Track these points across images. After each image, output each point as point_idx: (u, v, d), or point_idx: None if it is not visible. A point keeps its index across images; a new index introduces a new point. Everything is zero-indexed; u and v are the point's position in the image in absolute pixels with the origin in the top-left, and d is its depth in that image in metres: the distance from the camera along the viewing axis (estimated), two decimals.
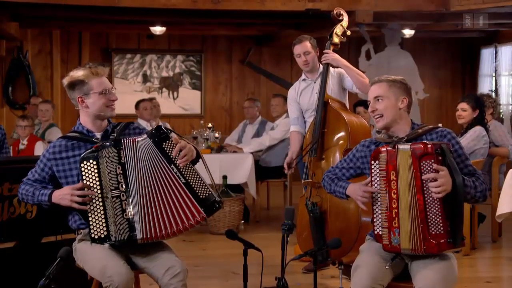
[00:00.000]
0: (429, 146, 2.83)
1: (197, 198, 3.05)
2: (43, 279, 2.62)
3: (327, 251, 4.17)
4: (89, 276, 3.14)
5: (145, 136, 3.08)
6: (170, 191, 3.04)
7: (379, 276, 2.90)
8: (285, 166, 5.02)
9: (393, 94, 3.07)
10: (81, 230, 3.16)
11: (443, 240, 2.81)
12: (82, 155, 3.05)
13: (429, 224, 2.82)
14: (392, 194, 2.90)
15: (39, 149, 6.58)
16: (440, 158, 2.84)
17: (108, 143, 3.05)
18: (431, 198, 2.82)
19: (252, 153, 6.96)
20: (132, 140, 3.07)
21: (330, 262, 4.57)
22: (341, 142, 4.57)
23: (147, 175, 3.04)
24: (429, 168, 2.82)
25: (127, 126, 3.24)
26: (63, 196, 3.04)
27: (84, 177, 3.04)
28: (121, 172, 3.03)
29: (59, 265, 2.67)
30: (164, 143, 3.06)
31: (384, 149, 2.94)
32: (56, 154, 3.14)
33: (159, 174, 3.04)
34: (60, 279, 2.66)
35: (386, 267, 2.93)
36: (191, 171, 3.08)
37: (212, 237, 6.39)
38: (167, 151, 3.06)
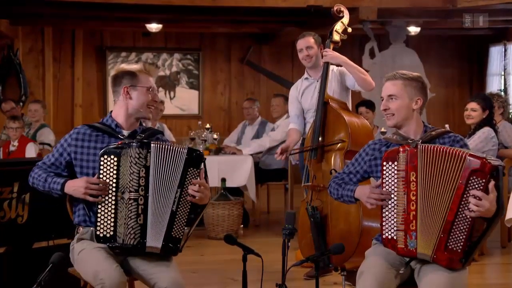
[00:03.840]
0: (488, 165, 2.73)
1: (169, 232, 3.05)
2: (35, 286, 2.61)
3: (328, 256, 4.17)
4: (83, 282, 3.14)
5: (186, 147, 3.11)
6: (159, 208, 3.05)
7: (386, 282, 2.88)
8: (278, 150, 4.97)
9: (407, 94, 3.06)
10: (80, 228, 3.17)
11: (455, 258, 2.79)
12: (103, 149, 3.06)
13: (450, 237, 2.79)
14: (411, 196, 2.86)
15: (31, 150, 6.58)
16: (492, 181, 2.75)
17: (135, 143, 3.05)
18: (464, 215, 2.77)
19: (251, 155, 6.96)
20: (166, 145, 3.07)
21: (332, 268, 4.57)
22: (341, 143, 4.57)
23: (162, 185, 3.05)
24: (477, 186, 2.75)
25: (155, 134, 3.26)
26: (77, 188, 3.05)
27: (101, 171, 3.04)
28: (144, 175, 3.03)
29: (51, 271, 2.67)
30: (191, 168, 3.08)
31: (404, 148, 2.91)
32: (78, 141, 3.16)
33: (166, 187, 3.06)
34: (52, 286, 2.66)
35: (401, 271, 2.92)
36: (185, 208, 3.09)
37: (210, 242, 6.39)
38: (188, 175, 3.08)
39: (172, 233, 3.06)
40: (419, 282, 2.92)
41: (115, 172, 3.03)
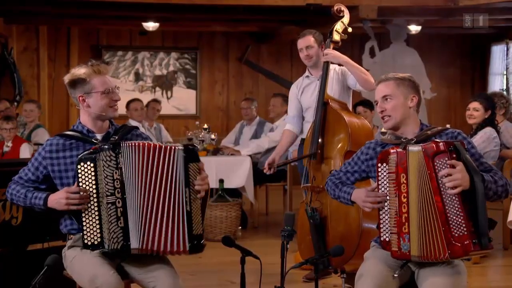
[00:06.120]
0: (441, 144, 2.84)
1: (190, 232, 3.03)
2: None
3: (328, 258, 4.17)
4: (78, 286, 3.14)
5: (180, 145, 3.06)
6: (171, 212, 3.01)
7: (385, 285, 2.89)
8: (265, 165, 5.07)
9: (401, 92, 3.08)
10: (72, 236, 3.16)
11: (467, 242, 2.76)
12: (79, 156, 3.04)
13: (451, 226, 2.78)
14: (402, 198, 2.88)
15: (25, 151, 6.57)
16: (454, 155, 2.83)
17: (106, 146, 3.03)
18: (449, 198, 2.79)
19: (250, 155, 6.97)
20: (133, 144, 3.03)
21: (331, 270, 4.57)
22: (341, 144, 4.58)
23: (151, 184, 3.02)
24: (443, 167, 2.81)
25: (130, 131, 3.23)
26: (59, 200, 3.03)
27: (80, 180, 3.03)
28: (119, 177, 3.01)
29: (46, 274, 2.67)
30: (191, 163, 3.05)
31: (394, 150, 2.92)
32: (52, 152, 3.13)
33: (168, 189, 3.02)
34: None
35: (395, 275, 2.92)
36: (198, 203, 3.07)
37: (208, 244, 6.21)
38: (190, 172, 3.04)
39: (193, 231, 3.04)
40: (419, 284, 2.93)
41: (93, 178, 3.01)
